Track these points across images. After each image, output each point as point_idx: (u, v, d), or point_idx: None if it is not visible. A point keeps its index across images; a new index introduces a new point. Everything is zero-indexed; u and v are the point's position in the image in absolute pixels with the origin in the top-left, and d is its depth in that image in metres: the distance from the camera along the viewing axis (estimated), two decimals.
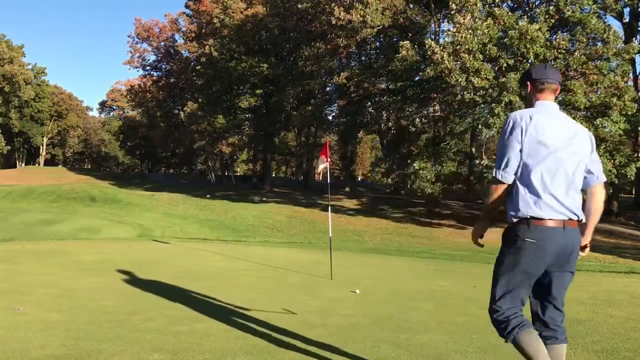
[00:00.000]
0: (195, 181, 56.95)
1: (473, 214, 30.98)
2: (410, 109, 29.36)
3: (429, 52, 24.51)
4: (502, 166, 2.80)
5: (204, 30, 44.54)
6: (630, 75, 29.65)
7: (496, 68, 24.45)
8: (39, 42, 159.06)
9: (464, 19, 23.93)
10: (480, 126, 25.20)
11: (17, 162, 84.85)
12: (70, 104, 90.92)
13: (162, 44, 54.56)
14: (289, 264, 10.13)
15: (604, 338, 4.82)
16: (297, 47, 40.24)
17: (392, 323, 5.29)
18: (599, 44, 23.73)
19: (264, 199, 37.43)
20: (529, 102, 3.01)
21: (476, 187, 41.48)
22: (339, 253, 12.40)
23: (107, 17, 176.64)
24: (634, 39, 27.30)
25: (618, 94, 22.70)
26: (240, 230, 25.40)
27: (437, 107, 31.28)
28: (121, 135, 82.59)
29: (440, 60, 23.70)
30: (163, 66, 55.71)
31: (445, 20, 29.04)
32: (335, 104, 42.30)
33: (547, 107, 2.90)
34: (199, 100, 41.76)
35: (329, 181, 10.54)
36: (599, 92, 23.80)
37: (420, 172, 26.55)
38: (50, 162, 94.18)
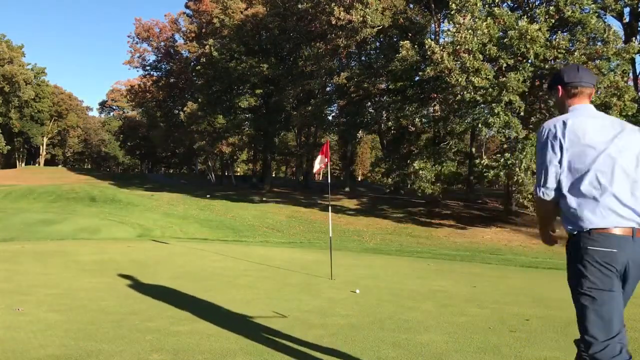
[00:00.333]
0: (195, 181, 56.94)
1: (473, 214, 30.99)
2: (410, 109, 29.33)
3: (429, 52, 24.51)
4: (542, 182, 2.54)
5: (204, 30, 44.53)
6: (630, 75, 29.65)
7: (496, 68, 24.46)
8: (39, 42, 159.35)
9: (464, 19, 23.92)
10: (480, 126, 25.20)
11: (17, 162, 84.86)
12: (70, 104, 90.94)
13: (162, 44, 54.56)
14: (289, 264, 10.13)
15: None
16: (297, 47, 40.23)
17: (392, 323, 5.29)
18: (599, 43, 23.72)
19: (264, 199, 37.42)
20: (561, 108, 2.73)
21: (476, 187, 41.56)
22: (339, 253, 12.41)
23: (107, 17, 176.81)
24: (634, 38, 27.28)
25: (618, 94, 22.69)
26: (240, 230, 25.40)
27: (437, 107, 31.28)
28: (121, 135, 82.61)
29: (440, 60, 23.69)
30: (163, 66, 55.71)
31: (445, 20, 29.01)
32: (335, 104, 42.30)
33: (582, 110, 2.63)
34: (199, 100, 41.75)
35: (329, 181, 10.54)
36: (599, 92, 23.80)
37: (420, 172, 26.54)
38: (50, 162, 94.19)
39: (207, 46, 39.24)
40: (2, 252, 10.67)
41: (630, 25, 29.79)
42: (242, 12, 39.51)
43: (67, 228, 21.58)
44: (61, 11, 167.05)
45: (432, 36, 33.40)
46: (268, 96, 41.51)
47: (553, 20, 24.01)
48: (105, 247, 12.63)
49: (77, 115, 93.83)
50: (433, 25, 35.16)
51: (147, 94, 58.82)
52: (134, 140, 78.94)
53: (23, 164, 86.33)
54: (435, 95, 29.60)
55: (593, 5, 24.10)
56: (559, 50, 23.15)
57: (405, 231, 26.02)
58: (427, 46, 24.83)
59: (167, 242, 15.55)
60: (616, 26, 25.65)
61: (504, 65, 23.80)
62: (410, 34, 32.93)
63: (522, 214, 28.99)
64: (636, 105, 23.38)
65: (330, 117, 43.20)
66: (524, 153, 23.23)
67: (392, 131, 35.40)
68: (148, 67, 56.57)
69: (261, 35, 40.09)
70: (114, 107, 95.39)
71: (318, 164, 9.31)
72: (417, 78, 30.68)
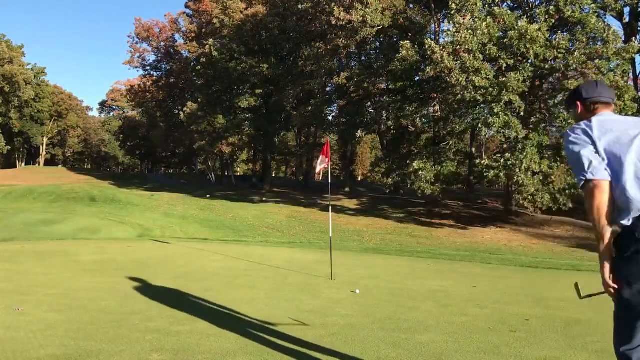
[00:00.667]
0: (195, 181, 56.94)
1: (473, 214, 30.98)
2: (410, 109, 29.32)
3: (429, 52, 24.51)
4: (586, 167, 2.39)
5: (204, 30, 44.52)
6: (630, 75, 29.64)
7: (496, 68, 24.45)
8: (39, 42, 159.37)
9: (464, 19, 23.92)
10: (480, 125, 25.19)
11: (17, 162, 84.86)
12: (70, 104, 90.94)
13: (162, 44, 54.54)
14: (289, 264, 10.13)
15: (604, 338, 4.82)
16: (297, 47, 40.23)
17: (392, 323, 5.29)
18: (599, 43, 23.72)
19: (264, 199, 37.41)
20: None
21: (476, 187, 41.55)
22: (339, 253, 12.40)
23: (107, 17, 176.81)
24: (634, 38, 27.28)
25: (618, 93, 22.70)
26: (240, 230, 25.39)
27: (437, 107, 31.28)
28: (121, 135, 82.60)
29: (440, 60, 23.69)
30: (163, 66, 55.69)
31: (445, 20, 29.02)
32: (335, 104, 42.28)
33: (604, 114, 2.58)
34: (199, 100, 41.73)
35: (329, 181, 10.55)
36: None
37: (420, 172, 26.53)
38: (50, 162, 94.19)
39: (207, 46, 39.23)
40: (2, 252, 10.67)
41: (630, 25, 29.79)
42: (242, 12, 39.51)
43: (67, 228, 21.58)
44: (61, 11, 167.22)
45: (432, 36, 33.39)
46: (268, 96, 41.51)
47: (553, 20, 24.01)
48: (105, 247, 12.63)
49: (77, 115, 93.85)
50: (433, 25, 35.16)
51: (147, 94, 58.81)
52: (134, 140, 78.94)
53: (23, 164, 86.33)
54: (435, 95, 29.60)
55: (593, 5, 24.10)
56: (559, 50, 23.14)
57: (405, 231, 26.02)
58: (427, 46, 24.83)
59: (167, 242, 15.55)
60: (616, 26, 25.67)
61: (504, 65, 23.80)
62: (410, 34, 32.92)
63: (522, 214, 28.98)
64: (636, 105, 23.38)
65: (330, 117, 43.22)
66: (524, 153, 23.22)
67: (392, 131, 35.40)
68: (148, 67, 56.59)
69: (261, 35, 40.08)
70: (114, 107, 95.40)
71: (320, 164, 9.38)
72: (417, 78, 30.66)
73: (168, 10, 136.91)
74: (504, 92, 23.03)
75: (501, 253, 18.29)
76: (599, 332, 5.05)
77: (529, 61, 24.09)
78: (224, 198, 37.20)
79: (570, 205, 24.19)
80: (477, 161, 26.67)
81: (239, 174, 74.54)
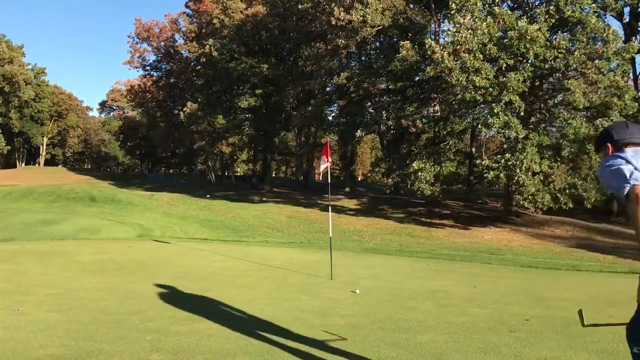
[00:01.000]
0: (195, 181, 56.93)
1: (473, 214, 30.97)
2: (410, 109, 29.30)
3: (429, 52, 24.50)
4: (628, 176, 2.42)
5: (204, 30, 44.51)
6: (630, 75, 29.65)
7: (496, 68, 24.44)
8: (39, 42, 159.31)
9: (464, 18, 23.91)
10: (480, 126, 25.18)
11: (17, 162, 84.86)
12: (70, 104, 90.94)
13: (162, 44, 54.52)
14: (289, 264, 10.13)
15: (604, 338, 4.83)
16: (297, 47, 40.21)
17: (392, 323, 5.29)
18: (599, 43, 23.71)
19: (264, 199, 37.41)
20: None
21: (476, 187, 41.54)
22: (339, 253, 12.41)
23: (107, 17, 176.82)
24: (634, 38, 27.28)
25: (618, 93, 22.70)
26: (240, 230, 25.39)
27: (437, 107, 31.26)
28: (121, 135, 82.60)
29: (440, 59, 23.69)
30: (163, 66, 55.67)
31: (445, 20, 29.00)
32: (335, 104, 42.27)
33: (636, 149, 2.57)
34: (199, 100, 41.71)
35: (329, 181, 10.57)
36: (599, 92, 23.80)
37: (419, 173, 26.53)
38: (50, 162, 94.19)
39: (207, 46, 39.22)
40: (2, 252, 10.67)
41: (630, 25, 29.81)
42: (242, 12, 39.49)
43: (67, 228, 21.58)
44: (61, 11, 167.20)
45: (432, 36, 33.38)
46: (268, 96, 41.50)
47: (553, 20, 24.00)
48: (105, 247, 12.63)
49: (77, 115, 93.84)
50: (433, 25, 35.15)
51: (147, 94, 58.79)
52: (134, 140, 78.93)
53: (23, 164, 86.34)
54: (435, 95, 29.59)
55: (593, 5, 24.09)
56: (559, 50, 23.14)
57: (405, 231, 26.02)
58: (427, 46, 24.82)
59: (167, 242, 15.55)
60: (616, 26, 25.68)
61: (504, 65, 23.80)
62: (410, 34, 32.90)
63: (522, 214, 28.98)
64: (637, 104, 23.38)
65: (330, 117, 43.19)
66: (525, 153, 23.22)
67: (392, 131, 35.39)
68: (148, 67, 56.56)
69: (261, 35, 40.07)
70: (114, 107, 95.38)
71: (323, 165, 9.49)
72: (417, 78, 30.65)
73: (168, 10, 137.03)
74: (504, 92, 23.03)
75: (501, 253, 18.29)
76: (599, 332, 5.05)
77: (529, 61, 24.08)
78: (224, 198, 37.20)
79: (571, 205, 24.20)
80: (477, 161, 26.66)
81: (239, 174, 74.53)
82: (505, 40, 23.67)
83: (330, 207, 10.42)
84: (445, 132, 28.81)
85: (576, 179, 24.16)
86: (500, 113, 23.10)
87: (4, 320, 4.94)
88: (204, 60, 40.70)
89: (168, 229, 23.84)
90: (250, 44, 39.38)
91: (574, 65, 22.82)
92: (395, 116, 29.83)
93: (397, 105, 30.02)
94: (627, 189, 2.42)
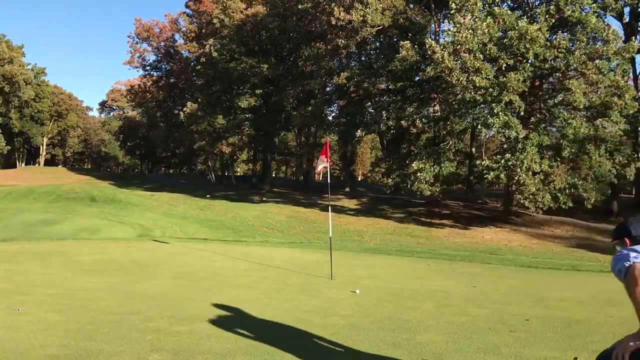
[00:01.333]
0: (195, 181, 56.92)
1: (473, 214, 30.96)
2: (410, 109, 29.27)
3: (429, 52, 24.49)
4: (631, 257, 2.45)
5: (204, 30, 44.50)
6: (630, 75, 29.64)
7: (495, 68, 24.43)
8: (39, 42, 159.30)
9: (464, 18, 23.90)
10: (479, 126, 25.16)
11: (17, 162, 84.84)
12: (70, 104, 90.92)
13: (162, 44, 54.51)
14: (289, 264, 10.13)
15: (604, 338, 4.83)
16: (297, 48, 40.20)
17: (392, 323, 5.29)
18: (599, 43, 23.69)
19: (264, 199, 37.39)
20: None
21: (476, 187, 41.54)
22: (339, 253, 12.41)
23: (107, 17, 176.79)
24: (634, 38, 27.27)
25: (619, 93, 22.68)
26: (240, 230, 25.39)
27: (437, 107, 31.25)
28: (121, 135, 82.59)
29: (440, 59, 23.68)
30: (163, 66, 55.65)
31: (446, 20, 28.97)
32: (335, 104, 42.25)
33: None
34: (199, 100, 41.70)
35: (329, 181, 10.57)
36: (599, 92, 23.79)
37: (419, 173, 26.51)
38: (50, 162, 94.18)
39: (207, 46, 39.21)
40: (2, 252, 10.67)
41: (630, 25, 29.80)
42: (242, 12, 39.48)
43: (67, 228, 21.58)
44: (61, 11, 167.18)
45: (432, 36, 33.36)
46: (268, 96, 41.49)
47: (553, 20, 23.99)
48: (105, 247, 12.63)
49: (77, 115, 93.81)
50: (433, 25, 35.14)
51: (147, 94, 58.79)
52: (134, 140, 78.93)
53: (23, 164, 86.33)
54: (435, 95, 29.57)
55: (593, 5, 24.09)
56: (559, 50, 23.13)
57: (405, 231, 26.01)
58: (427, 46, 24.81)
59: (167, 242, 15.55)
60: (616, 26, 25.67)
61: (504, 65, 23.80)
62: (410, 34, 32.89)
63: (522, 214, 28.97)
64: (637, 104, 23.36)
65: (330, 117, 43.17)
66: (525, 153, 23.22)
67: (392, 131, 35.38)
68: (148, 67, 56.55)
69: (261, 35, 40.06)
70: (114, 107, 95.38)
71: (321, 165, 9.41)
72: (417, 78, 30.63)
73: (168, 10, 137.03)
74: (504, 92, 23.02)
75: (501, 253, 18.29)
76: (599, 332, 5.05)
77: (529, 61, 24.07)
78: (224, 198, 37.19)
79: (570, 205, 24.18)
80: (477, 162, 26.64)
81: (239, 174, 74.52)
82: (505, 40, 23.66)
83: (330, 207, 10.42)
84: (445, 132, 28.79)
85: (576, 179, 24.15)
86: (501, 113, 23.09)
87: (4, 320, 4.94)
88: (204, 60, 40.69)
89: (168, 229, 23.84)
90: (250, 44, 39.37)
91: (574, 65, 22.81)
92: (395, 116, 29.80)
93: (397, 105, 30.00)
94: (626, 266, 2.45)
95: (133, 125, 77.33)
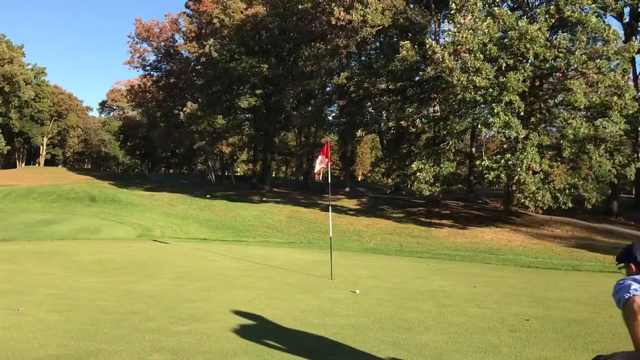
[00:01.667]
0: (195, 181, 56.93)
1: (473, 214, 30.96)
2: (410, 109, 29.25)
3: (429, 52, 24.50)
4: (631, 288, 2.49)
5: (204, 31, 44.48)
6: (630, 75, 29.63)
7: (495, 68, 24.43)
8: (39, 42, 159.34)
9: (464, 18, 23.90)
10: (480, 126, 25.16)
11: (17, 162, 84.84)
12: (70, 104, 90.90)
13: (162, 44, 54.49)
14: (289, 264, 10.13)
15: (604, 338, 4.83)
16: (297, 48, 40.19)
17: (392, 323, 5.29)
18: (599, 43, 23.69)
19: (264, 199, 37.40)
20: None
21: (476, 187, 41.54)
22: (339, 253, 12.41)
23: (107, 17, 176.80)
24: (634, 38, 27.27)
25: (619, 92, 22.67)
26: (240, 230, 25.39)
27: (437, 107, 31.24)
28: (121, 135, 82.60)
29: (441, 59, 23.68)
30: (163, 66, 55.65)
31: (446, 20, 28.97)
32: (335, 104, 42.26)
33: None
34: (199, 100, 41.71)
35: (329, 181, 10.56)
36: (599, 93, 23.78)
37: (418, 173, 26.51)
38: (50, 162, 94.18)
39: (207, 46, 39.21)
40: (2, 252, 10.67)
41: (630, 25, 29.80)
42: (242, 12, 39.48)
43: (67, 228, 21.58)
44: (61, 11, 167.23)
45: (432, 36, 33.37)
46: (268, 96, 41.49)
47: (553, 20, 23.99)
48: (105, 247, 12.63)
49: (77, 115, 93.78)
50: (433, 25, 35.14)
51: (147, 94, 58.78)
52: (134, 140, 78.93)
53: (23, 164, 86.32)
54: (435, 95, 29.57)
55: (593, 5, 24.09)
56: (559, 50, 23.13)
57: (405, 231, 26.01)
58: (428, 46, 24.82)
59: (167, 242, 15.55)
60: (616, 26, 25.66)
61: (504, 65, 23.80)
62: (410, 34, 32.89)
63: (522, 214, 28.97)
64: (637, 104, 23.36)
65: (330, 117, 43.18)
66: (525, 153, 23.22)
67: (392, 131, 35.39)
68: (148, 67, 56.56)
69: (261, 35, 40.06)
70: (114, 107, 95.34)
71: (319, 165, 9.38)
72: (417, 78, 30.63)
73: (168, 10, 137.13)
74: (504, 92, 23.02)
75: (501, 253, 18.29)
76: (599, 332, 5.05)
77: (529, 61, 24.07)
78: (224, 198, 37.20)
79: (570, 205, 24.17)
80: (477, 162, 26.63)
81: (239, 174, 74.52)
82: (506, 40, 23.66)
83: (330, 207, 10.43)
84: (445, 132, 28.77)
85: (576, 179, 24.14)
86: (501, 113, 23.09)
87: (4, 320, 4.94)
88: (204, 60, 40.69)
89: (168, 229, 23.84)
90: (250, 44, 39.37)
91: (575, 65, 22.80)
92: (395, 116, 29.80)
93: (397, 105, 30.00)
94: (625, 298, 2.48)
95: (133, 125, 77.33)
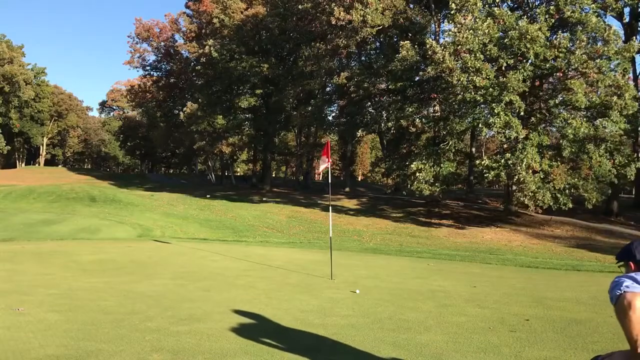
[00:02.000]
0: (195, 181, 56.93)
1: (473, 214, 30.96)
2: (410, 109, 29.26)
3: (429, 52, 24.51)
4: (624, 285, 2.51)
5: (204, 31, 44.48)
6: (630, 74, 29.63)
7: (495, 68, 24.43)
8: (39, 42, 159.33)
9: (464, 19, 23.91)
10: (480, 126, 25.17)
11: (17, 162, 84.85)
12: (70, 104, 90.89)
13: (162, 44, 54.49)
14: (289, 264, 10.13)
15: (604, 338, 4.83)
16: (297, 47, 40.19)
17: (392, 323, 5.29)
18: (599, 43, 23.70)
19: (264, 199, 37.40)
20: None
21: (476, 187, 41.54)
22: (339, 253, 12.41)
23: (107, 17, 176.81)
24: (634, 38, 27.28)
25: (618, 92, 22.67)
26: (240, 230, 25.39)
27: (437, 107, 31.25)
28: (121, 135, 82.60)
29: (441, 59, 23.69)
30: (163, 66, 55.64)
31: (446, 20, 28.97)
32: (335, 104, 42.26)
33: None
34: (199, 100, 41.70)
35: (329, 181, 10.59)
36: (599, 93, 23.79)
37: (418, 173, 26.51)
38: (50, 162, 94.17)
39: (207, 46, 39.20)
40: (2, 252, 10.67)
41: (630, 25, 29.80)
42: (242, 12, 39.48)
43: (67, 228, 21.58)
44: (61, 11, 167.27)
45: (432, 36, 33.37)
46: (268, 96, 41.49)
47: (553, 20, 23.99)
48: (105, 247, 12.63)
49: (77, 115, 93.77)
50: (433, 25, 35.14)
51: (147, 94, 58.79)
52: (134, 140, 78.94)
53: (23, 164, 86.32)
54: (435, 96, 29.57)
55: (593, 5, 24.09)
56: (559, 50, 23.13)
57: (405, 231, 26.01)
58: (428, 46, 24.82)
59: (167, 242, 15.55)
60: (616, 26, 25.65)
61: (504, 64, 23.80)
62: (410, 34, 32.89)
63: (522, 214, 28.97)
64: (637, 104, 23.35)
65: (330, 117, 43.19)
66: (525, 153, 23.22)
67: (392, 131, 35.39)
68: (148, 67, 56.55)
69: (261, 35, 40.05)
70: (114, 107, 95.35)
71: (323, 164, 9.52)
72: (417, 78, 30.63)
73: (168, 10, 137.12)
74: (505, 92, 23.02)
75: (501, 253, 18.29)
76: (599, 332, 5.05)
77: (529, 61, 24.08)
78: (224, 198, 37.20)
79: (570, 206, 24.17)
80: (477, 161, 26.62)
81: (239, 174, 74.52)
82: (506, 40, 23.67)
83: (330, 207, 10.44)
84: (445, 132, 28.78)
85: (576, 179, 24.14)
86: (501, 113, 23.10)
87: (4, 320, 4.94)
88: (204, 60, 40.69)
89: (168, 229, 23.84)
90: (250, 44, 39.36)
91: (575, 65, 22.81)
92: (395, 116, 29.81)
93: (397, 105, 30.00)
94: (617, 294, 2.50)
95: (133, 125, 77.33)
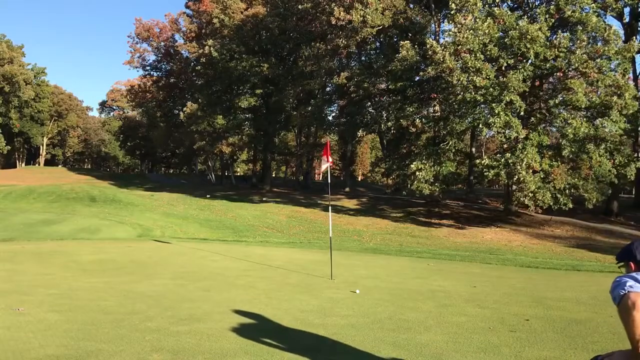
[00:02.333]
0: (195, 181, 56.92)
1: (473, 213, 30.97)
2: (410, 109, 29.26)
3: (429, 52, 24.51)
4: (627, 285, 2.51)
5: (204, 30, 44.47)
6: (630, 74, 29.63)
7: (495, 68, 24.43)
8: (39, 42, 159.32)
9: (464, 19, 23.91)
10: (480, 125, 25.16)
11: (17, 162, 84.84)
12: (70, 104, 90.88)
13: (162, 44, 54.48)
14: (289, 264, 10.14)
15: (604, 338, 4.83)
16: (297, 47, 40.19)
17: (392, 323, 5.29)
18: (600, 43, 23.70)
19: (264, 199, 37.40)
20: None
21: (476, 187, 41.54)
22: (339, 253, 12.41)
23: (107, 17, 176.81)
24: (634, 38, 27.27)
25: (618, 92, 22.67)
26: (240, 230, 25.39)
27: (437, 107, 31.24)
28: (121, 135, 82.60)
29: (441, 59, 23.69)
30: (163, 66, 55.64)
31: (446, 20, 28.97)
32: (335, 104, 42.26)
33: None
34: (199, 100, 41.69)
35: (329, 181, 10.60)
36: (599, 92, 23.79)
37: (417, 173, 26.50)
38: (50, 162, 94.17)
39: (207, 46, 39.20)
40: (2, 252, 10.68)
41: (630, 25, 29.80)
42: (242, 12, 39.48)
43: (67, 228, 21.58)
44: (61, 11, 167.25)
45: (432, 36, 33.37)
46: (268, 96, 41.49)
47: (553, 20, 23.99)
48: (105, 247, 12.63)
49: (77, 115, 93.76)
50: (433, 25, 35.14)
51: (147, 94, 58.78)
52: (134, 140, 78.93)
53: (23, 164, 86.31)
54: (435, 96, 29.57)
55: (593, 5, 24.08)
56: (559, 50, 23.13)
57: (405, 231, 26.01)
58: (428, 46, 24.82)
59: (167, 242, 15.55)
60: (616, 26, 25.65)
61: (504, 64, 23.80)
62: (410, 34, 32.89)
63: (522, 214, 28.97)
64: (637, 103, 23.35)
65: (330, 117, 43.19)
66: (525, 153, 23.22)
67: (392, 131, 35.40)
68: (148, 67, 56.54)
69: (261, 35, 40.05)
70: (114, 107, 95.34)
71: (324, 164, 9.58)
72: (417, 78, 30.62)
73: (168, 10, 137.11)
74: (505, 92, 23.02)
75: (501, 253, 18.28)
76: (599, 332, 5.05)
77: (529, 61, 24.08)
78: (224, 198, 37.20)
79: (570, 206, 24.17)
80: (477, 161, 26.62)
81: (239, 174, 74.52)
82: (506, 39, 23.67)
83: (330, 207, 10.44)
84: (445, 132, 28.77)
85: (576, 179, 24.14)
86: (501, 113, 23.10)
87: (4, 320, 4.94)
88: (204, 60, 40.68)
89: (168, 229, 23.84)
90: (250, 44, 39.35)
91: (575, 65, 22.81)
92: (395, 116, 29.80)
93: (397, 105, 30.00)
94: (621, 294, 2.50)
95: (133, 125, 77.33)
